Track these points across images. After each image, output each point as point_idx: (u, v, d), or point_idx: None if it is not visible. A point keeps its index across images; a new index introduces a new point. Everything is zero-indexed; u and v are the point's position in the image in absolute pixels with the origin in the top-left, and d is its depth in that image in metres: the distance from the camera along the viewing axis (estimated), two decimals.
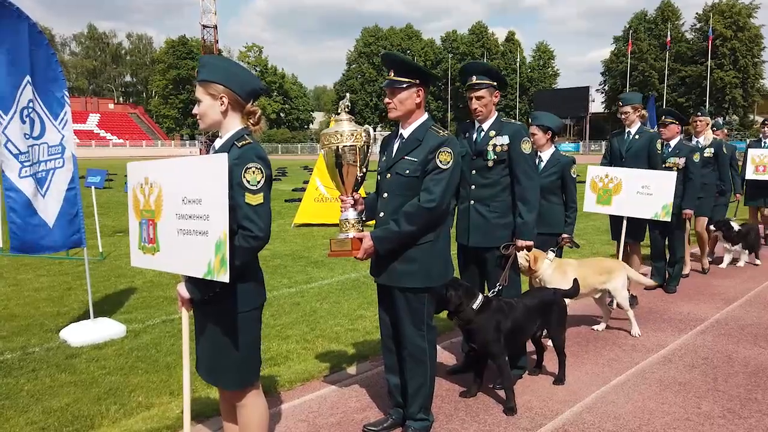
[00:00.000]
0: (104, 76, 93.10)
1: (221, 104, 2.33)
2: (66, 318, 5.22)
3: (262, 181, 2.22)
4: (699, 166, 6.13)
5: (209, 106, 2.34)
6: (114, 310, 5.43)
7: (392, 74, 2.93)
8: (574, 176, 4.61)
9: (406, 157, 2.92)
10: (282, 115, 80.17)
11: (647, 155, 5.50)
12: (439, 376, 3.88)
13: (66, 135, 4.62)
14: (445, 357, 4.32)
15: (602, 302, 4.99)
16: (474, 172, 3.70)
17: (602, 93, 74.42)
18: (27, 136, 4.44)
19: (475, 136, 3.73)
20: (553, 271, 4.37)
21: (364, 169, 2.94)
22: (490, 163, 3.64)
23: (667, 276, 6.29)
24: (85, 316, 4.97)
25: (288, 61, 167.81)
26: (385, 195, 2.99)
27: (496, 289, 3.64)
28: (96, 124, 70.41)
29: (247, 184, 2.19)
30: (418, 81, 2.90)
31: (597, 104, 73.29)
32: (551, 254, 4.44)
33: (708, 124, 6.96)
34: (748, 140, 7.92)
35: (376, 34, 79.31)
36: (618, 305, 4.88)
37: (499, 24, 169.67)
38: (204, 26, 71.68)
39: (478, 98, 3.62)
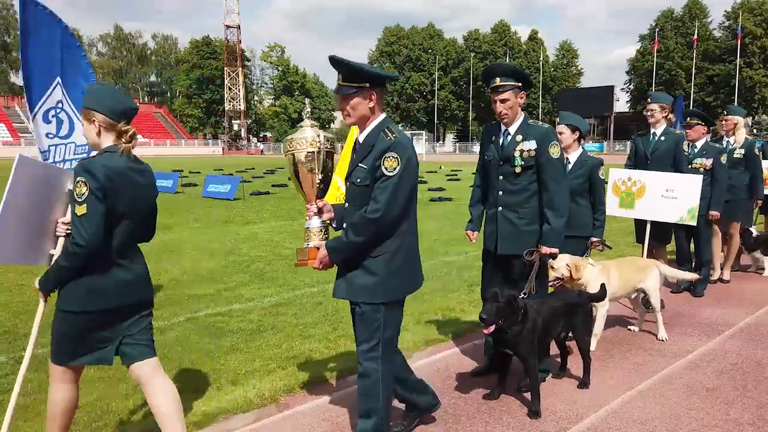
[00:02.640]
0: (130, 76, 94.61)
1: (95, 127, 2.63)
2: None
3: (86, 193, 2.45)
4: (726, 167, 6.01)
5: (87, 129, 2.66)
6: None
7: (341, 79, 2.74)
8: (602, 178, 4.53)
9: (360, 165, 2.76)
10: (303, 114, 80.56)
11: (673, 157, 5.41)
12: (462, 378, 3.88)
13: None
14: (467, 360, 4.31)
15: (637, 303, 4.93)
16: (501, 177, 3.62)
17: (627, 92, 73.39)
18: (50, 136, 4.55)
19: (501, 140, 3.64)
20: (596, 276, 4.29)
21: (321, 176, 2.82)
22: (518, 170, 3.55)
23: None
24: None
25: (310, 61, 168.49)
26: (347, 204, 2.83)
27: (523, 296, 3.56)
28: None
29: (75, 197, 2.48)
30: (368, 84, 2.71)
31: (622, 104, 72.38)
32: (590, 259, 4.38)
33: (736, 124, 6.76)
34: (760, 141, 7.23)
35: (398, 34, 79.23)
36: (649, 305, 4.78)
37: (522, 22, 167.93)
38: (227, 26, 72.44)
39: (503, 101, 3.51)
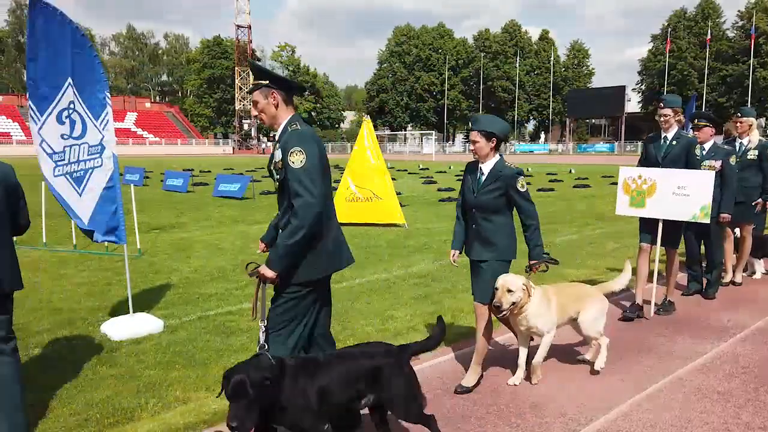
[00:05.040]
0: (142, 75, 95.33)
1: None
2: (106, 312, 5.37)
3: None
4: (735, 169, 5.94)
5: None
6: (152, 306, 5.57)
7: None
8: (523, 190, 3.69)
9: None
10: (314, 114, 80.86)
11: (685, 161, 5.32)
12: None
13: (106, 135, 4.76)
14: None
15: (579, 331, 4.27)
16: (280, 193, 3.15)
17: (639, 92, 72.93)
18: (65, 137, 4.60)
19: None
20: (538, 302, 3.75)
21: None
22: (276, 184, 3.10)
23: (705, 282, 6.13)
24: (124, 311, 5.12)
25: (320, 61, 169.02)
26: None
27: (263, 328, 2.97)
28: (133, 122, 72.20)
29: None
30: None
31: (633, 104, 71.97)
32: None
33: (750, 126, 6.68)
34: None
35: (408, 33, 79.22)
36: (585, 337, 4.12)
37: (533, 22, 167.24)
38: (238, 26, 72.76)
39: (255, 104, 3.11)
